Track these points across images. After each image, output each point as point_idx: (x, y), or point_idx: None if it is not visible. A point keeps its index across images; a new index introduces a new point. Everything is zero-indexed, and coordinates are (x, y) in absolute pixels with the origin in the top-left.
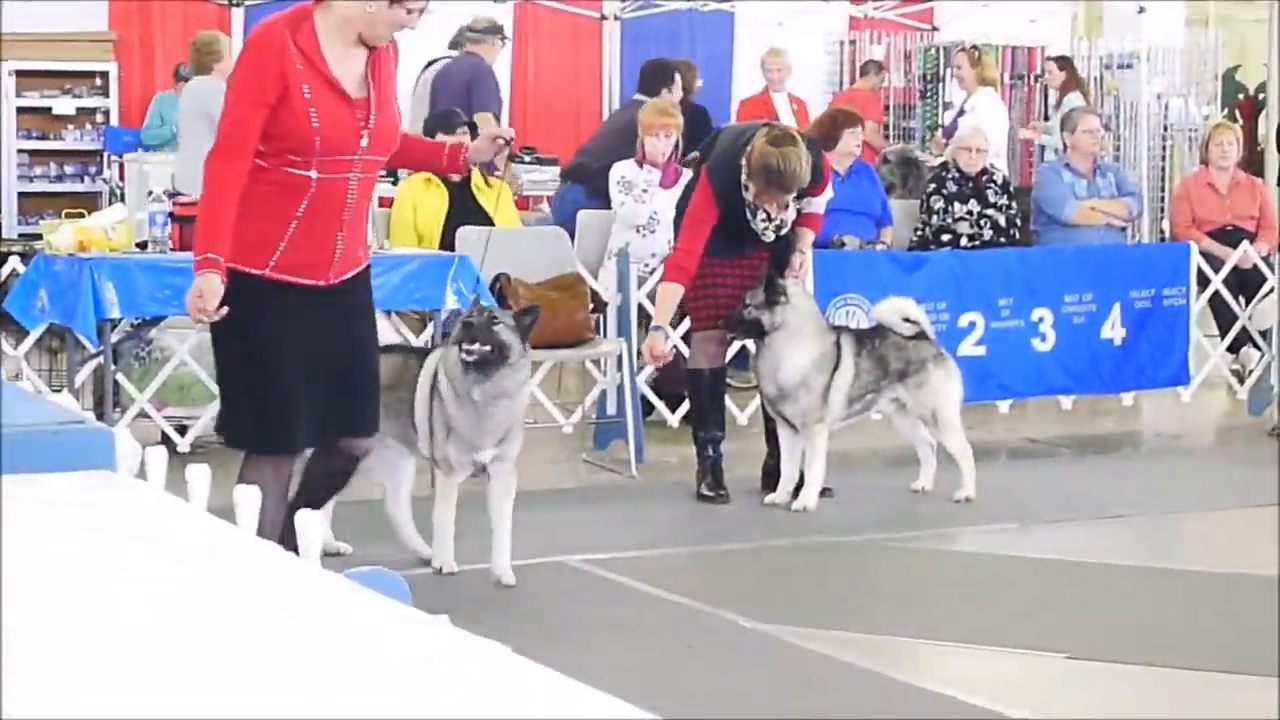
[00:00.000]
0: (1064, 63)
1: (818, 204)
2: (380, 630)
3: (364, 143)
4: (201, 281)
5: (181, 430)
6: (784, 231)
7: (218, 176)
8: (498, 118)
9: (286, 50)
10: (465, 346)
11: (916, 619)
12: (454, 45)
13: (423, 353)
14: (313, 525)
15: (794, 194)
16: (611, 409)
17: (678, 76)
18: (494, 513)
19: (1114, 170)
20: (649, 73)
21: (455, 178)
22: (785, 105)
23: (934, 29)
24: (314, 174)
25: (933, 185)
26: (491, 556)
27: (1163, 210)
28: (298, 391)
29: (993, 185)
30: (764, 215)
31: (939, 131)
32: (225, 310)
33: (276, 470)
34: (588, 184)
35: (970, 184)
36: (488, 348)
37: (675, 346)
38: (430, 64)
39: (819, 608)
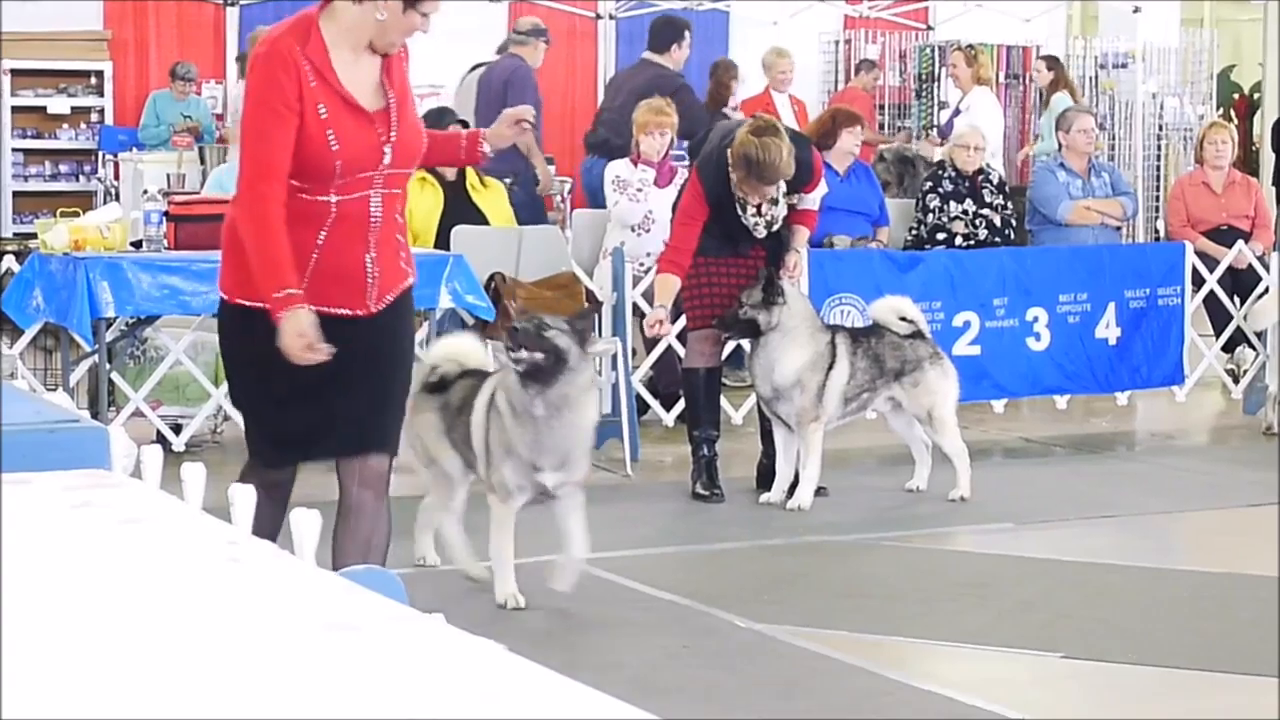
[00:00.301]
0: (1052, 62)
1: (811, 201)
2: (375, 629)
3: (387, 159)
4: (291, 323)
5: (176, 429)
6: (776, 228)
7: (257, 204)
8: (536, 117)
9: (299, 64)
10: (512, 354)
11: (911, 618)
12: (501, 50)
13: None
14: (308, 525)
15: (775, 185)
16: (606, 408)
17: (688, 34)
18: (565, 527)
19: (1109, 170)
20: (659, 29)
21: (451, 177)
22: (786, 106)
23: (929, 28)
24: (333, 198)
25: (929, 184)
26: (558, 571)
27: (1158, 210)
28: (296, 410)
29: (989, 185)
30: (754, 210)
31: (934, 131)
32: (332, 348)
33: (266, 483)
34: (613, 157)
35: (967, 183)
36: (538, 354)
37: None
38: (475, 67)
39: (814, 607)
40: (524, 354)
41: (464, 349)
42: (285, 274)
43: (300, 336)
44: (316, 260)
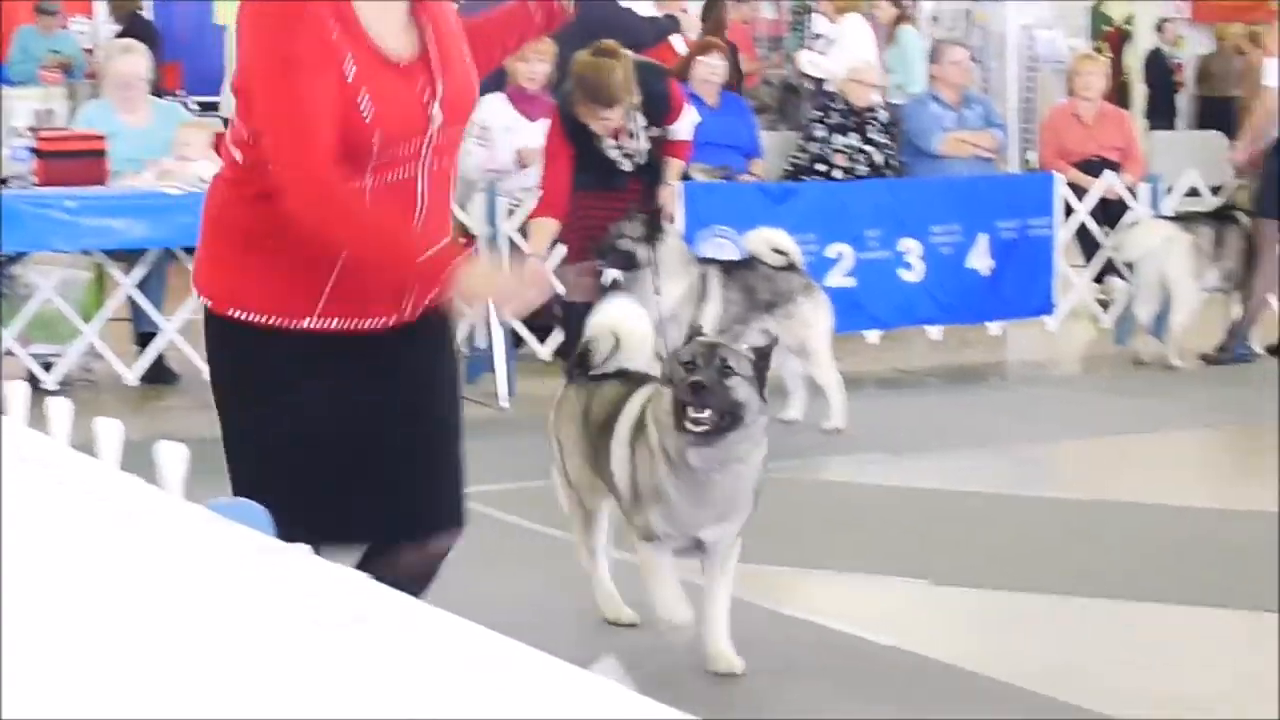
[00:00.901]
0: None
1: (681, 132)
2: (241, 560)
3: (437, 120)
4: (473, 275)
5: (47, 367)
6: (641, 161)
7: (326, 194)
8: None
9: (319, 8)
10: (693, 415)
11: (785, 548)
12: None
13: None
14: (175, 458)
15: (617, 109)
16: (481, 343)
17: None
18: (710, 588)
19: (983, 102)
20: None
21: None
22: (681, 46)
23: None
24: (367, 180)
25: (818, 113)
26: (705, 639)
27: (1029, 141)
28: (323, 462)
29: (875, 122)
30: (612, 142)
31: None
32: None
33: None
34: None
35: (854, 118)
36: (718, 415)
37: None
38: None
39: None
40: (707, 415)
41: (623, 321)
42: (414, 240)
43: (495, 281)
44: (343, 263)
